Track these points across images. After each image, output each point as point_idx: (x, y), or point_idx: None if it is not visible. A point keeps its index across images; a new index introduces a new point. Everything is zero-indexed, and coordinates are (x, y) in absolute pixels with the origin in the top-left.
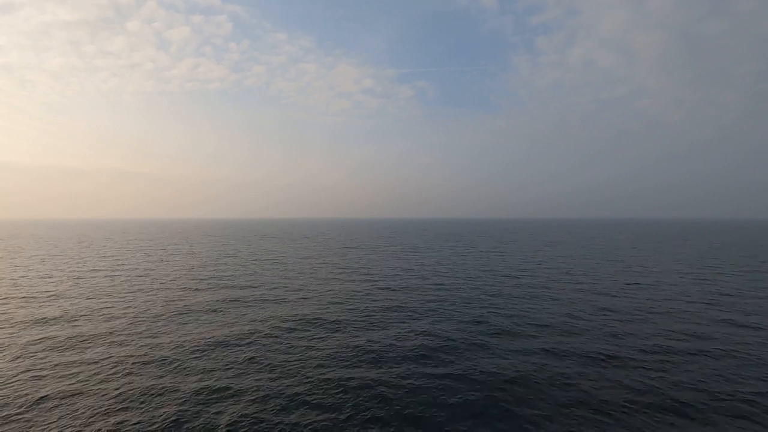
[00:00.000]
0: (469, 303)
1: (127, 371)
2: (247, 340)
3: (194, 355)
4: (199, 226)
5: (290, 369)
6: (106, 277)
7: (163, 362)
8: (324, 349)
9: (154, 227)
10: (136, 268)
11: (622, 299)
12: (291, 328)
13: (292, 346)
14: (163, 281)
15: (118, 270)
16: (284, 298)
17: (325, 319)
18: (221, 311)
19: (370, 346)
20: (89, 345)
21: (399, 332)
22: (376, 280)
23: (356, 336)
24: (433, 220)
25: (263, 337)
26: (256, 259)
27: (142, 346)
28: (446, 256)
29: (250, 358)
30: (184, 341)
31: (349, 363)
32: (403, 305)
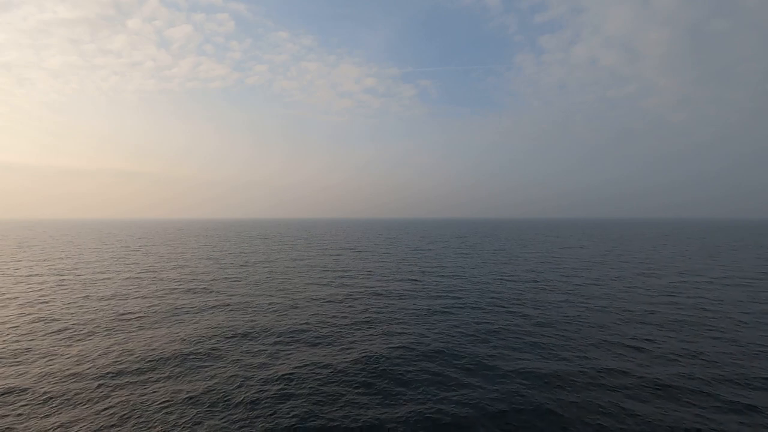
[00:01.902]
0: (486, 316)
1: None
2: (198, 364)
3: (114, 383)
4: (196, 226)
5: (243, 418)
6: (61, 281)
7: (72, 396)
8: (297, 382)
9: (153, 228)
10: (99, 272)
11: (674, 313)
12: (261, 349)
13: (249, 378)
14: (131, 286)
15: (82, 274)
16: (260, 308)
17: (306, 336)
18: (178, 323)
19: (359, 375)
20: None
21: (401, 354)
22: (374, 286)
23: (343, 359)
24: (434, 220)
25: (220, 360)
26: (242, 263)
27: (45, 375)
28: (452, 258)
29: (190, 397)
30: (111, 361)
31: (324, 404)
32: (403, 319)
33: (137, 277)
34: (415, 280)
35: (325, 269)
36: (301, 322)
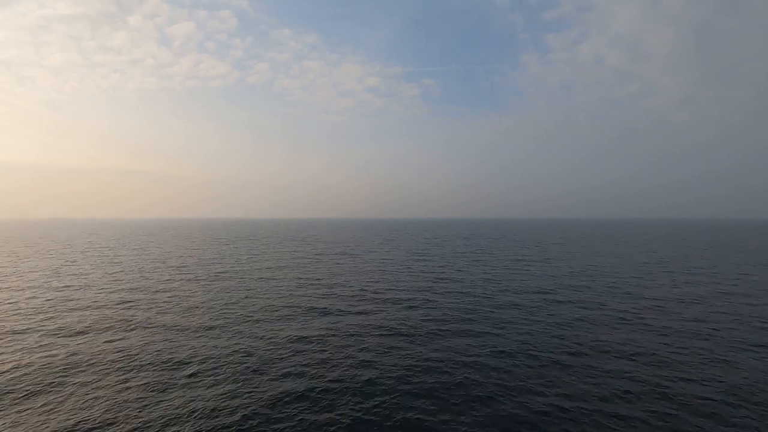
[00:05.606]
0: (513, 348)
1: None
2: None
3: None
4: (193, 226)
5: None
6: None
7: None
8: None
9: (148, 228)
10: (28, 280)
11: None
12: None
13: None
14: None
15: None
16: (179, 332)
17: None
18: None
19: None
20: None
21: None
22: (364, 302)
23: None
24: (434, 220)
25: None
26: (206, 271)
27: None
28: (462, 264)
29: None
30: None
31: None
32: (401, 361)
33: (64, 287)
34: (420, 292)
35: (306, 279)
36: (230, 352)
